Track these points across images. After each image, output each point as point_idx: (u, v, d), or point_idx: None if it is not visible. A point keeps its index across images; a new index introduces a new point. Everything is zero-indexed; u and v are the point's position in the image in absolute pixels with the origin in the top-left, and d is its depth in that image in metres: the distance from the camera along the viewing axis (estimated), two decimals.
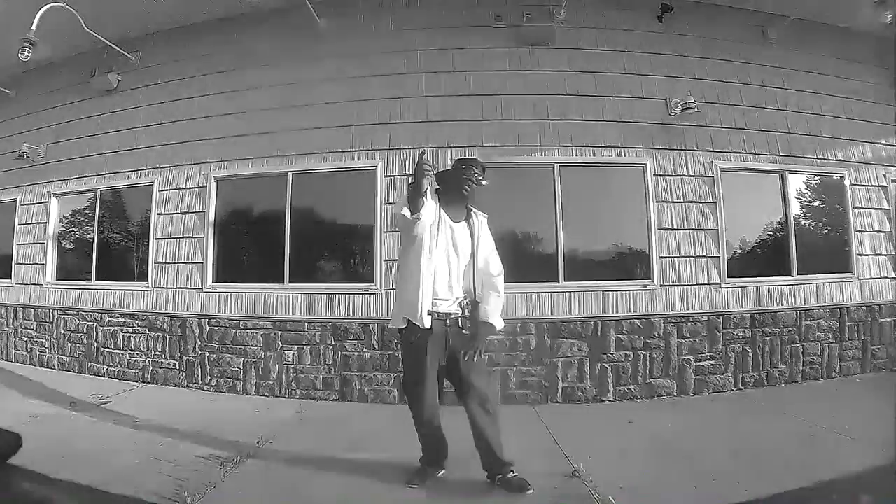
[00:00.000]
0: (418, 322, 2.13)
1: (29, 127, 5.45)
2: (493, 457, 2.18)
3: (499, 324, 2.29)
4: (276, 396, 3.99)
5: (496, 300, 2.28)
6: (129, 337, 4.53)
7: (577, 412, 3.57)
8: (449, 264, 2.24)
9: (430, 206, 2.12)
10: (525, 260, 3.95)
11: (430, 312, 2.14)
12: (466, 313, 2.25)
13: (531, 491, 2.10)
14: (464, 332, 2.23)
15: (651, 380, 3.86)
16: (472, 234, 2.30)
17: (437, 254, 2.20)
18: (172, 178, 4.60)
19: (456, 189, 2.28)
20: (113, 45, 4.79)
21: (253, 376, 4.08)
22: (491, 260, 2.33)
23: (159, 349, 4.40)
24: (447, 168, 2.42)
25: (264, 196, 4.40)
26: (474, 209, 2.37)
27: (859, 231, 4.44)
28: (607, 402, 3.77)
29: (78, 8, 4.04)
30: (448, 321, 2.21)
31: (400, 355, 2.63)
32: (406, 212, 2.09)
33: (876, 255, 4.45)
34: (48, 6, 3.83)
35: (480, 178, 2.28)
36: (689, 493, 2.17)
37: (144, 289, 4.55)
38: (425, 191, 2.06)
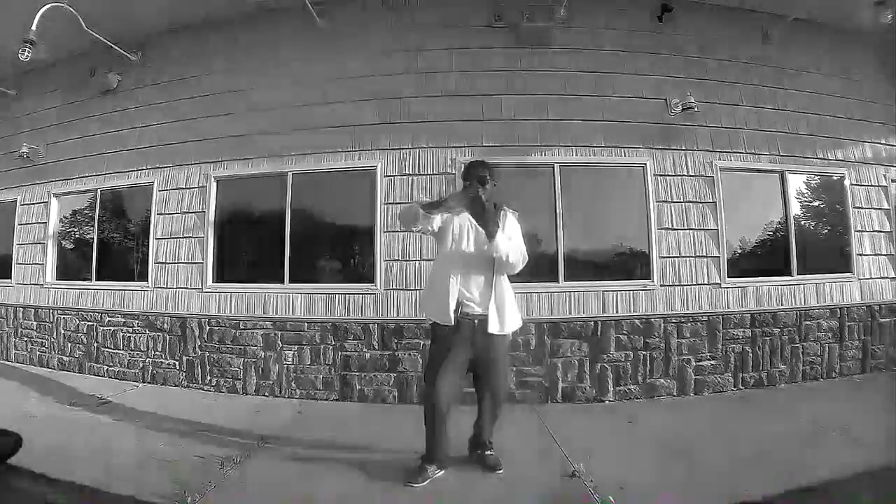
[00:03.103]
0: (444, 321, 2.25)
1: (29, 127, 5.45)
2: (479, 436, 2.48)
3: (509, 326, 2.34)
4: (276, 396, 3.99)
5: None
6: (129, 337, 4.53)
7: (577, 412, 3.57)
8: (477, 265, 2.30)
9: (437, 220, 2.31)
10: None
11: (455, 311, 2.24)
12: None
13: (501, 471, 2.36)
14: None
15: (651, 380, 3.86)
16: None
17: (465, 256, 2.31)
18: (172, 178, 4.60)
19: (471, 194, 2.33)
20: (113, 45, 4.78)
21: (253, 376, 4.08)
22: (503, 244, 2.32)
23: (159, 349, 4.40)
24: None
25: (264, 196, 4.40)
26: (504, 208, 2.39)
27: (859, 231, 4.44)
28: (607, 402, 3.78)
29: (78, 8, 4.04)
30: (476, 322, 2.27)
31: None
32: (420, 207, 2.25)
33: (876, 255, 4.45)
34: (48, 6, 3.83)
35: (486, 179, 2.32)
36: (689, 493, 2.17)
37: (144, 289, 4.55)
38: (442, 210, 2.25)
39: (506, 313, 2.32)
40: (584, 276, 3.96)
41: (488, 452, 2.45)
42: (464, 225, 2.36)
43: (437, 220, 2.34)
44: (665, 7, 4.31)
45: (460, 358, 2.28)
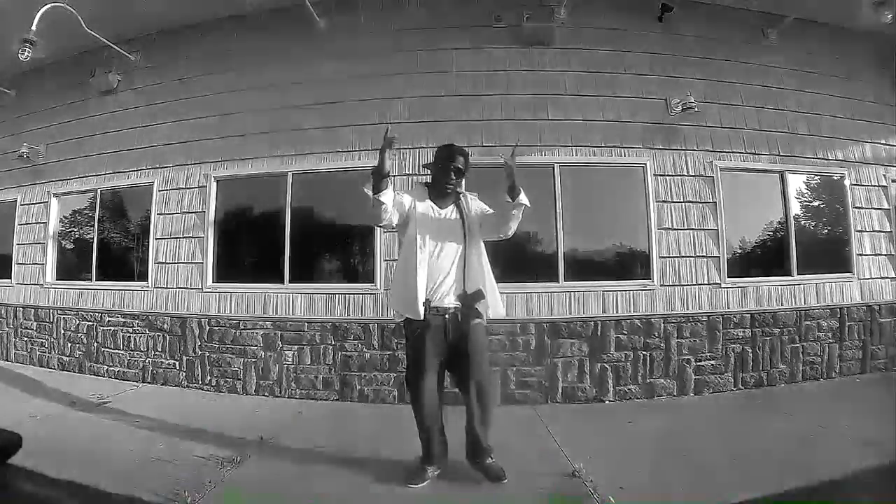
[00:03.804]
0: (413, 315, 2.17)
1: (29, 127, 5.45)
2: (476, 443, 2.27)
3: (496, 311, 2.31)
4: (276, 396, 3.99)
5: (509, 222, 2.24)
6: (129, 337, 4.53)
7: (577, 412, 3.57)
8: (443, 255, 2.24)
9: (391, 194, 2.11)
10: (525, 260, 3.96)
11: (424, 304, 2.16)
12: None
13: (506, 480, 2.20)
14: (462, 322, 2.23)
15: (651, 380, 3.86)
16: (461, 214, 2.31)
17: (429, 245, 2.22)
18: (172, 178, 4.60)
19: (440, 182, 2.33)
20: (113, 45, 4.78)
21: (253, 376, 4.08)
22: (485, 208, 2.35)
23: (159, 349, 4.40)
24: (432, 159, 2.42)
25: (264, 196, 4.40)
26: (463, 192, 2.38)
27: (859, 231, 4.44)
28: (607, 402, 3.77)
29: (78, 8, 4.04)
30: (447, 315, 2.22)
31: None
32: (368, 189, 2.08)
33: (876, 255, 4.45)
34: (48, 6, 3.83)
35: (462, 169, 2.30)
36: (689, 493, 2.16)
37: (144, 289, 4.55)
38: (388, 172, 2.06)
39: (497, 297, 2.30)
40: (584, 275, 3.96)
41: (490, 460, 2.28)
42: (426, 212, 2.28)
43: (392, 206, 2.17)
44: (665, 7, 4.31)
45: (437, 357, 2.22)
